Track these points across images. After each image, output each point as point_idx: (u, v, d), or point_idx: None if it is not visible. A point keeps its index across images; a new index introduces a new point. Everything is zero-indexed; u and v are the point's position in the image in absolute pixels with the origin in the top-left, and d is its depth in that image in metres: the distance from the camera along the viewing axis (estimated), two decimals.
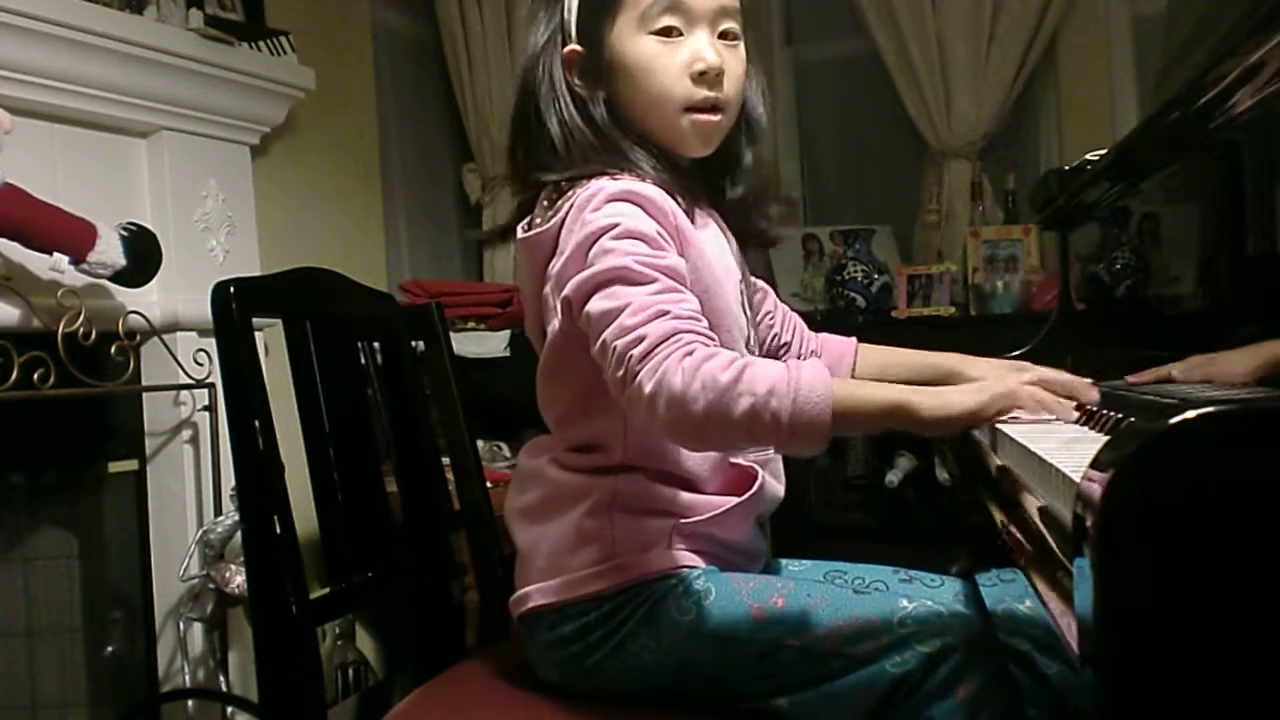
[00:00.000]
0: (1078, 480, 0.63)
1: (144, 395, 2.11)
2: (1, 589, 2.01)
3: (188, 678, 2.04)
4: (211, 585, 1.98)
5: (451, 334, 1.55)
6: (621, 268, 1.00)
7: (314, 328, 1.28)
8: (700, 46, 1.10)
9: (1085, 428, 0.95)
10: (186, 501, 2.13)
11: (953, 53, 2.84)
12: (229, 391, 1.16)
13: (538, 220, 1.11)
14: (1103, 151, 1.46)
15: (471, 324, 2.79)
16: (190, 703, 2.05)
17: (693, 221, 1.12)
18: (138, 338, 2.03)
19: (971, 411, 0.95)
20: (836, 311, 2.77)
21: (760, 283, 1.35)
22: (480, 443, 2.30)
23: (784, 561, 1.30)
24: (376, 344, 1.43)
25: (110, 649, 2.12)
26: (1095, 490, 0.58)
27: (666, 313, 0.97)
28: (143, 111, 2.07)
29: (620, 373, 0.96)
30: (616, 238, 1.02)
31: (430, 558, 1.42)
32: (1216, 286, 1.15)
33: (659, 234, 1.04)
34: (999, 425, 0.99)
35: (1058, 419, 0.98)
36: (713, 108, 1.11)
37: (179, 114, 2.13)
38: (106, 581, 2.13)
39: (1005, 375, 1.07)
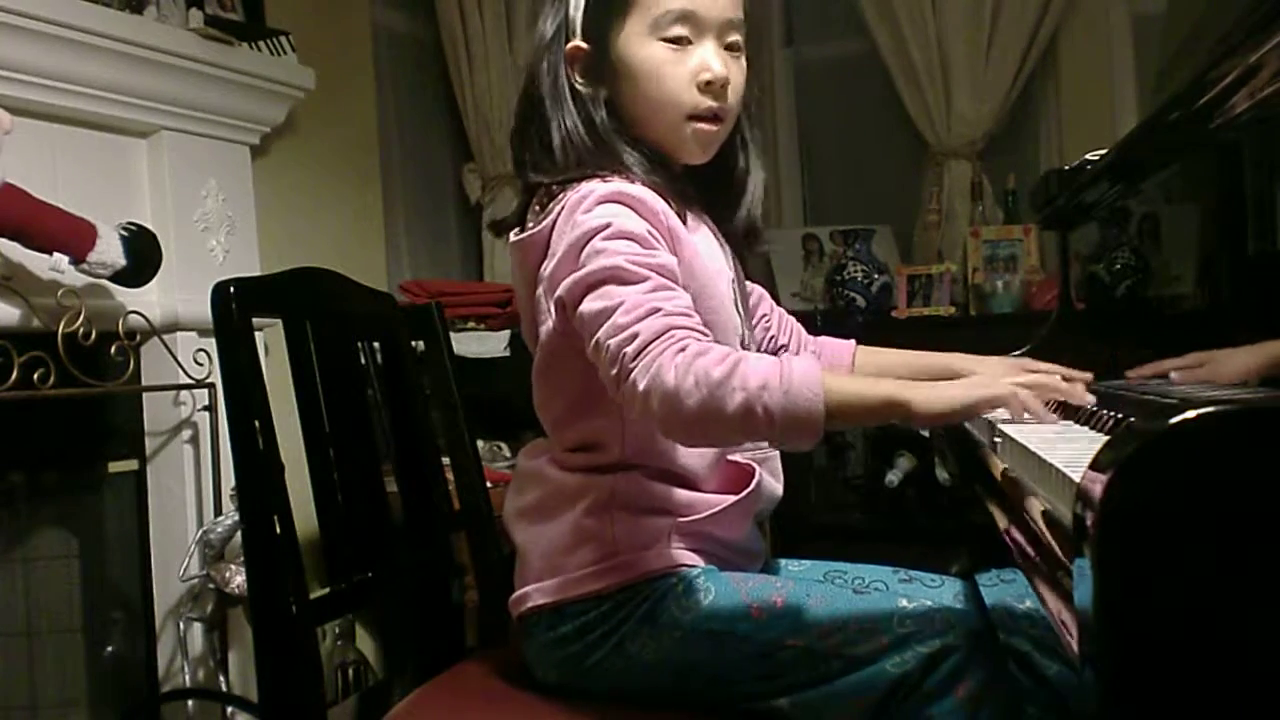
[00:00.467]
0: (1078, 480, 0.63)
1: (144, 395, 2.11)
2: (1, 589, 2.01)
3: (188, 678, 2.04)
4: (211, 585, 1.98)
5: (451, 334, 1.55)
6: (614, 267, 1.00)
7: (314, 328, 1.28)
8: (708, 56, 1.11)
9: (1085, 427, 0.95)
10: (186, 501, 2.13)
11: (953, 53, 2.84)
12: (229, 391, 1.16)
13: (529, 223, 1.11)
14: (1103, 151, 1.46)
15: (471, 324, 2.79)
16: (190, 703, 2.05)
17: (685, 224, 1.13)
18: (138, 338, 2.03)
19: (961, 405, 0.95)
20: (836, 311, 2.77)
21: (756, 287, 1.35)
22: (480, 443, 2.30)
23: (783, 562, 1.30)
24: (376, 344, 1.43)
25: (110, 649, 2.12)
26: (1095, 490, 0.58)
27: (659, 310, 0.97)
28: (143, 111, 2.07)
29: (615, 371, 0.97)
30: (608, 238, 1.02)
31: (430, 558, 1.42)
32: (1216, 286, 1.15)
33: (650, 234, 1.04)
34: (999, 425, 0.99)
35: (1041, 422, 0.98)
36: (714, 116, 1.13)
37: (179, 114, 2.13)
38: (106, 581, 2.13)
39: (1000, 373, 1.08)
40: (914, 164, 3.01)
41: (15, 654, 2.03)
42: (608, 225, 1.02)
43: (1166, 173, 1.27)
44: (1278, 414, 0.58)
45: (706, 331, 1.00)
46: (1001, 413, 1.02)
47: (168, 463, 2.14)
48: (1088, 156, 1.52)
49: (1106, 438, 0.71)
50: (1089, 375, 1.15)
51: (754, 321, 1.32)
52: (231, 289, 1.15)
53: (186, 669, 2.04)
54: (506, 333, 2.73)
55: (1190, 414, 0.58)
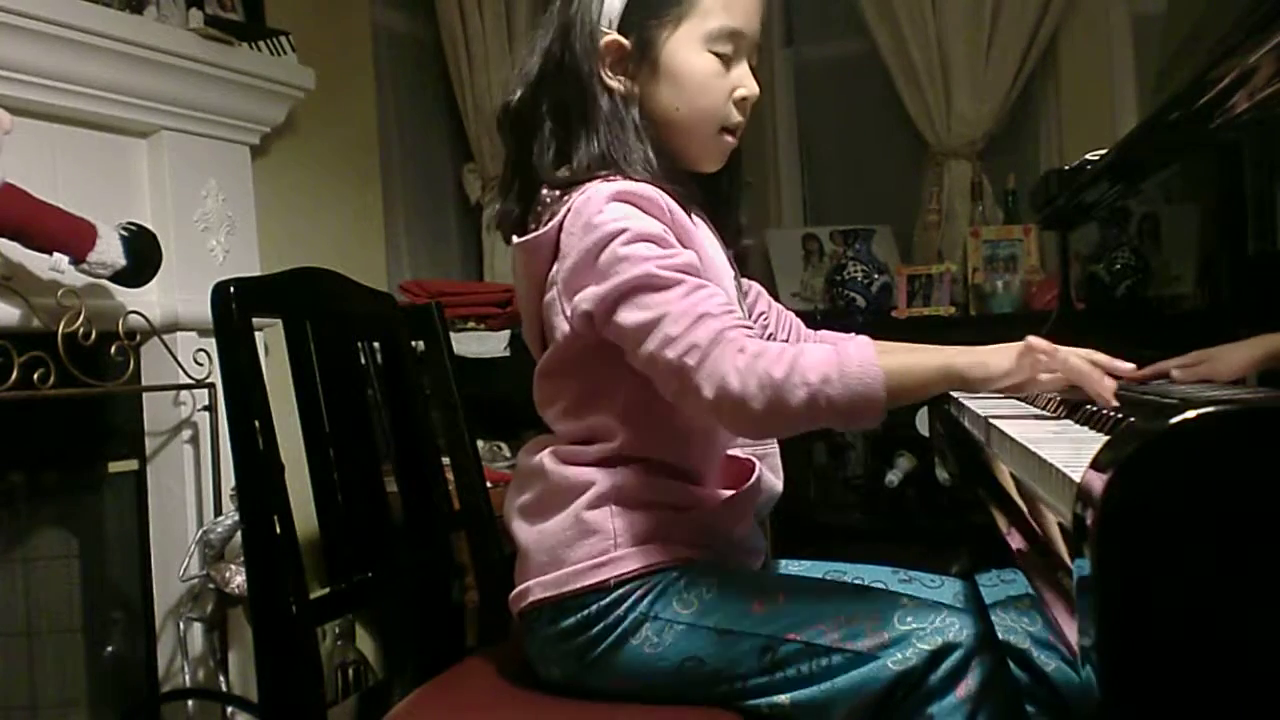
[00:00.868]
0: (1078, 480, 0.63)
1: (144, 395, 2.11)
2: (1, 589, 2.01)
3: (188, 678, 2.04)
4: (211, 585, 1.98)
5: (451, 334, 1.55)
6: (645, 275, 1.01)
7: (314, 328, 1.28)
8: (746, 74, 1.15)
9: (1085, 427, 0.95)
10: (186, 501, 2.13)
11: (953, 53, 2.84)
12: (229, 391, 1.16)
13: (532, 225, 1.11)
14: (1103, 151, 1.46)
15: (471, 324, 2.79)
16: (190, 703, 2.05)
17: (693, 222, 1.13)
18: (138, 338, 2.03)
19: (1005, 372, 1.00)
20: (836, 311, 2.77)
21: (753, 284, 1.35)
22: (480, 443, 2.30)
23: (783, 562, 1.31)
24: (376, 344, 1.43)
25: (110, 649, 2.12)
26: (1095, 490, 0.59)
27: (706, 313, 0.99)
28: (143, 111, 2.07)
29: (677, 384, 0.99)
30: (628, 243, 1.03)
31: (430, 558, 1.42)
32: (1216, 286, 1.15)
33: (665, 231, 1.06)
34: (999, 425, 1.00)
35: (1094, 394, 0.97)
36: (736, 130, 1.17)
37: (179, 114, 2.13)
38: (106, 581, 2.13)
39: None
40: (914, 164, 3.01)
41: (15, 654, 2.03)
42: (624, 229, 1.03)
43: (1166, 173, 1.27)
44: (1278, 414, 0.58)
45: (750, 324, 1.03)
46: (1001, 411, 1.03)
47: (168, 463, 2.14)
48: (1088, 156, 1.52)
49: (1106, 438, 0.71)
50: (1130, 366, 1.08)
51: (753, 319, 1.33)
52: (231, 289, 1.15)
53: (186, 669, 2.04)
54: (506, 333, 2.73)
55: (1190, 414, 0.58)
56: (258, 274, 2.16)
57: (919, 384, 0.99)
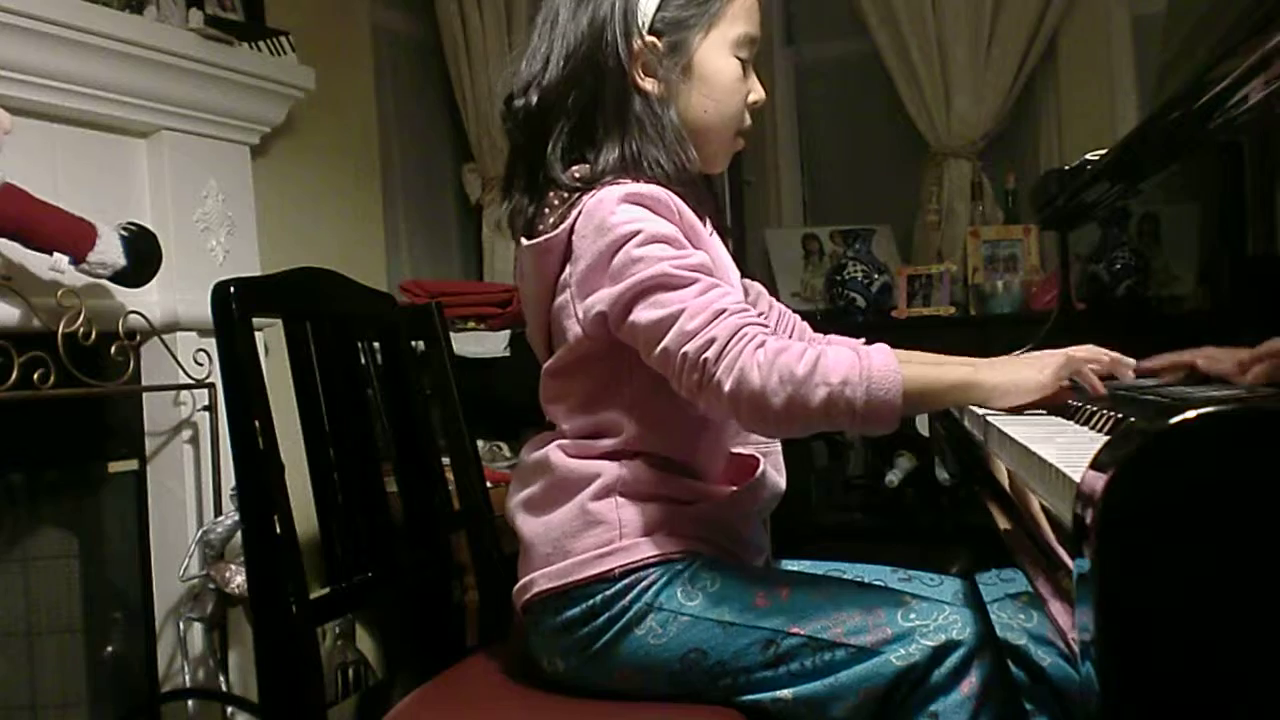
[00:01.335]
0: (1078, 480, 0.63)
1: (144, 395, 2.11)
2: (1, 589, 2.01)
3: (188, 678, 2.04)
4: (211, 585, 1.98)
5: (451, 334, 1.55)
6: (660, 274, 1.02)
7: (314, 328, 1.28)
8: (756, 81, 1.19)
9: (1085, 427, 0.95)
10: (186, 501, 2.13)
11: (953, 53, 2.84)
12: (229, 391, 1.16)
13: (541, 227, 1.11)
14: (1103, 151, 1.46)
15: (471, 324, 2.79)
16: (190, 703, 2.05)
17: (706, 226, 1.15)
18: (138, 338, 2.03)
19: (1039, 385, 1.02)
20: (836, 311, 2.77)
21: (754, 284, 1.36)
22: (480, 443, 2.31)
23: (783, 561, 1.31)
24: (376, 344, 1.43)
25: (110, 649, 2.12)
26: (1095, 490, 0.59)
27: (724, 310, 1.00)
28: (143, 111, 2.06)
29: (696, 377, 0.99)
30: (642, 244, 1.03)
31: (430, 557, 1.42)
32: (1216, 286, 1.15)
33: (677, 233, 1.06)
34: (1000, 425, 1.00)
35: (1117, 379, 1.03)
36: (746, 134, 1.20)
37: (179, 114, 2.13)
38: (106, 581, 2.13)
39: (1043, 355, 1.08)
40: (914, 164, 3.01)
41: (15, 654, 2.03)
42: (638, 231, 1.04)
43: (1166, 173, 1.27)
44: (1278, 414, 0.58)
45: (767, 323, 1.03)
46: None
47: (168, 463, 2.14)
48: (1088, 156, 1.52)
49: (1106, 437, 0.71)
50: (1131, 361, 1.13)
51: None
52: (231, 289, 1.15)
53: (186, 669, 2.04)
54: (506, 333, 2.73)
55: (1190, 414, 0.58)
56: (258, 274, 2.16)
57: (937, 393, 1.01)
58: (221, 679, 2.08)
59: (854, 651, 1.02)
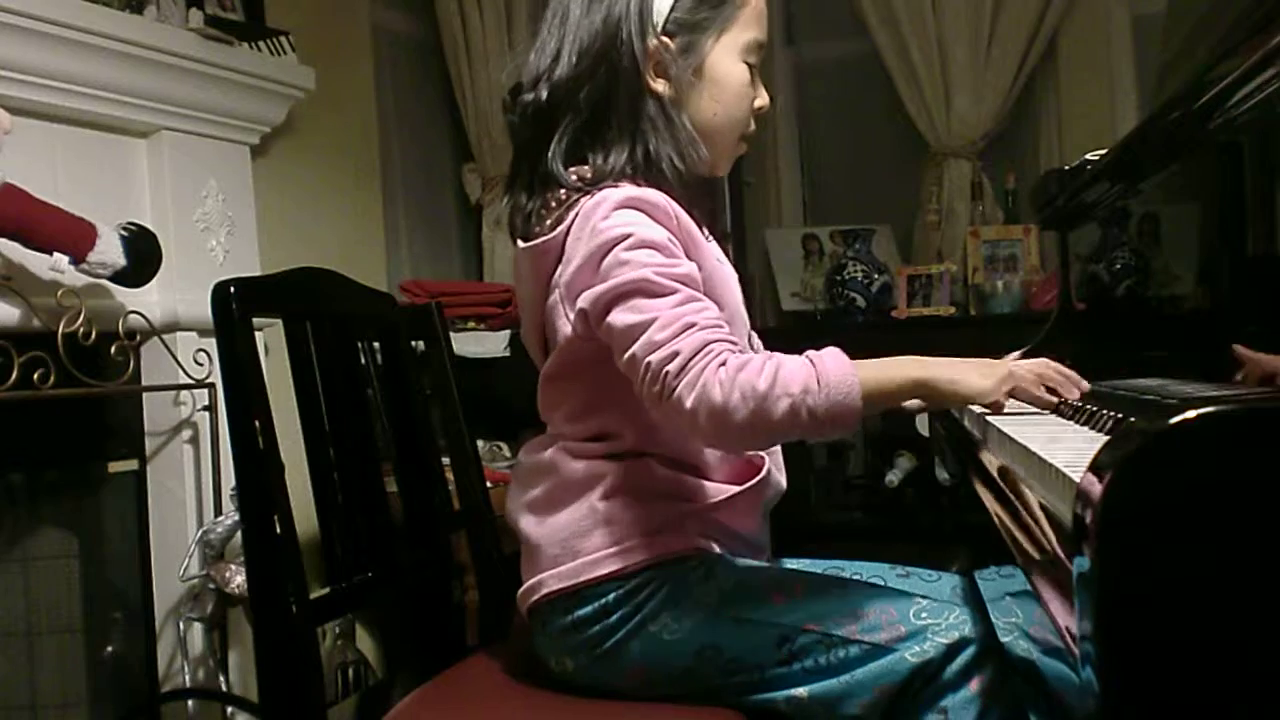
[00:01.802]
0: (1077, 480, 0.63)
1: (144, 395, 2.11)
2: (1, 589, 2.01)
3: (188, 678, 2.04)
4: (211, 585, 1.98)
5: (451, 334, 1.55)
6: (641, 279, 1.01)
7: (314, 328, 1.28)
8: (762, 87, 1.18)
9: (1085, 427, 0.95)
10: (186, 501, 2.13)
11: (953, 53, 2.84)
12: (229, 391, 1.16)
13: (538, 228, 1.11)
14: (1103, 151, 1.46)
15: (471, 324, 2.79)
16: (190, 703, 2.05)
17: (703, 231, 1.14)
18: (138, 338, 2.03)
19: (981, 391, 1.03)
20: (836, 311, 2.77)
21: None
22: (480, 443, 2.31)
23: (783, 560, 1.31)
24: (376, 344, 1.43)
25: (110, 649, 2.12)
26: (1095, 490, 0.58)
27: (694, 325, 1.00)
28: (143, 111, 2.06)
29: (657, 388, 0.99)
30: (631, 248, 1.03)
31: (430, 558, 1.42)
32: (1216, 286, 1.15)
33: (670, 240, 1.06)
34: (1000, 425, 1.00)
35: (1060, 401, 1.06)
36: (750, 138, 1.20)
37: (179, 114, 2.13)
38: (106, 581, 2.13)
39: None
40: (914, 164, 3.01)
41: (15, 654, 2.03)
42: (629, 234, 1.03)
43: (1166, 173, 1.27)
44: (1278, 414, 0.58)
45: (736, 340, 1.03)
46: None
47: (168, 463, 2.14)
48: (1088, 156, 1.52)
49: (1107, 438, 0.71)
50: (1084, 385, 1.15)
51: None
52: (231, 289, 1.15)
53: (186, 669, 2.04)
54: (506, 333, 2.73)
55: (1190, 414, 0.58)
56: (258, 274, 2.16)
57: (891, 394, 1.02)
58: (221, 679, 2.08)
59: (868, 648, 1.03)
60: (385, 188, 2.94)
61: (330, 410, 1.27)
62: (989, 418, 1.06)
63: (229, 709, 2.08)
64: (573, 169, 1.11)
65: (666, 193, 1.08)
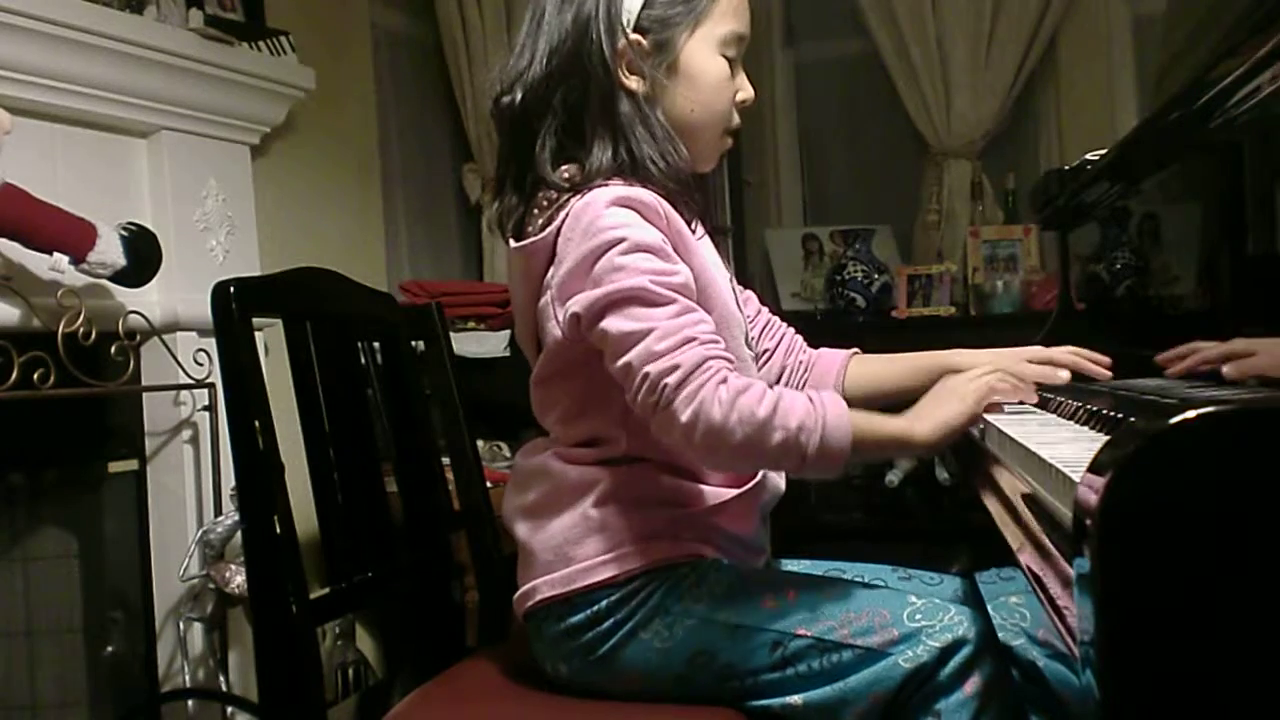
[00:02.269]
0: (1077, 480, 0.63)
1: (144, 395, 2.11)
2: (1, 589, 2.01)
3: (188, 678, 2.04)
4: (211, 585, 1.98)
5: (451, 334, 1.55)
6: (638, 288, 1.01)
7: (314, 328, 1.28)
8: (744, 78, 1.17)
9: (1084, 427, 0.95)
10: (186, 501, 2.13)
11: (953, 53, 2.84)
12: (229, 391, 1.16)
13: (529, 229, 1.10)
14: (1103, 151, 1.46)
15: (471, 324, 2.79)
16: (190, 703, 2.05)
17: (693, 230, 1.13)
18: (138, 338, 2.03)
19: (967, 415, 1.06)
20: (836, 311, 2.77)
21: (745, 290, 1.34)
22: (480, 443, 2.30)
23: (783, 561, 1.31)
24: (376, 344, 1.43)
25: (110, 649, 2.12)
26: (1095, 491, 0.58)
27: (694, 339, 1.00)
28: (143, 111, 2.06)
29: (653, 399, 0.99)
30: (625, 252, 1.02)
31: (430, 558, 1.42)
32: (1216, 286, 1.15)
33: (663, 242, 1.05)
34: (1000, 425, 1.00)
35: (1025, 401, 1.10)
36: (735, 132, 1.19)
37: (179, 114, 2.13)
38: (106, 581, 2.13)
39: (1000, 364, 1.14)
40: (914, 164, 3.01)
41: (15, 654, 2.03)
42: (623, 238, 1.03)
43: (1166, 173, 1.27)
44: (1278, 414, 0.58)
45: (732, 357, 1.03)
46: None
47: (168, 463, 2.14)
48: (1088, 156, 1.52)
49: (1106, 437, 0.71)
50: (1106, 360, 1.18)
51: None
52: (231, 289, 1.15)
53: (186, 669, 2.04)
54: (506, 333, 2.73)
55: (1190, 414, 0.58)
56: (258, 274, 2.16)
57: (878, 443, 1.04)
58: (221, 679, 2.08)
59: (861, 653, 1.02)
60: (385, 188, 2.94)
61: (330, 410, 1.27)
62: (989, 416, 1.06)
63: (229, 709, 2.08)
64: (561, 168, 1.10)
65: (655, 191, 1.07)
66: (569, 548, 1.10)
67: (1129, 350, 1.21)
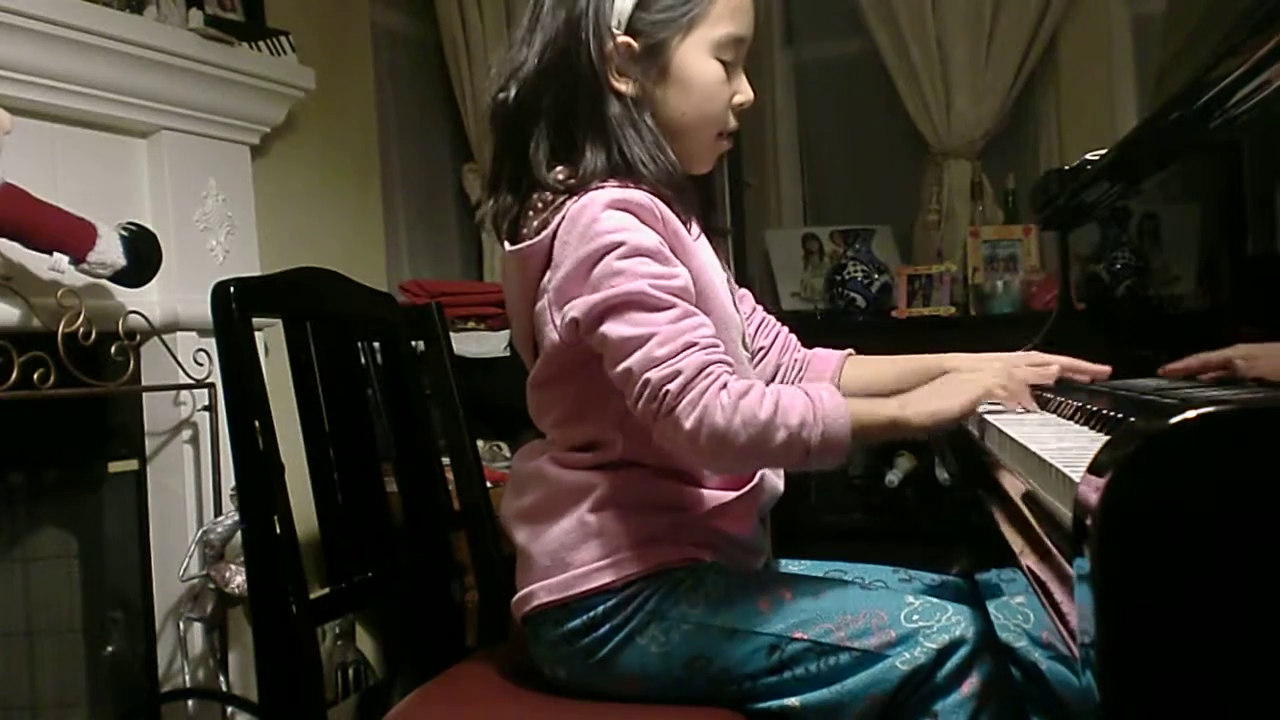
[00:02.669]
0: (1077, 480, 0.63)
1: (144, 395, 2.11)
2: (1, 589, 2.01)
3: (188, 678, 2.04)
4: (211, 585, 1.98)
5: (451, 334, 1.55)
6: (637, 292, 1.01)
7: (314, 328, 1.28)
8: (743, 81, 1.16)
9: (1084, 427, 0.95)
10: (186, 501, 2.13)
11: (953, 53, 2.85)
12: (229, 391, 1.16)
13: (525, 231, 1.10)
14: (1103, 151, 1.46)
15: (471, 324, 2.79)
16: (190, 703, 2.05)
17: (689, 230, 1.12)
18: (138, 338, 2.03)
19: (959, 411, 1.05)
20: (836, 311, 2.77)
21: (741, 289, 1.34)
22: (480, 443, 2.30)
23: (783, 562, 1.31)
24: (376, 344, 1.43)
25: (110, 649, 2.12)
26: (1095, 491, 0.58)
27: (695, 344, 1.00)
28: (143, 111, 2.06)
29: (655, 405, 0.99)
30: (623, 257, 1.02)
31: (430, 558, 1.42)
32: (1216, 286, 1.15)
33: (661, 245, 1.05)
34: (1000, 425, 1.00)
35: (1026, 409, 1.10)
36: (731, 135, 1.17)
37: (179, 114, 2.13)
38: (106, 581, 2.13)
39: (996, 369, 1.13)
40: (914, 164, 3.01)
41: (15, 654, 2.03)
42: (621, 242, 1.02)
43: (1166, 173, 1.27)
44: (1278, 414, 0.58)
45: (732, 360, 1.03)
46: (1001, 409, 1.06)
47: (168, 463, 2.14)
48: (1088, 156, 1.52)
49: (1106, 437, 0.71)
50: (1106, 369, 1.18)
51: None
52: (231, 289, 1.15)
53: (186, 669, 2.04)
54: (506, 333, 2.73)
55: (1190, 414, 0.58)
56: (258, 274, 2.16)
57: (874, 432, 1.04)
58: (221, 679, 2.08)
59: (859, 655, 1.02)
60: (385, 188, 2.94)
61: (330, 410, 1.27)
62: (988, 417, 1.06)
63: (229, 709, 2.08)
64: (556, 170, 1.09)
65: (651, 192, 1.07)
66: (566, 553, 1.10)
67: (1129, 350, 1.21)
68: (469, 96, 3.12)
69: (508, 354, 2.69)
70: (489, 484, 1.51)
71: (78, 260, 1.76)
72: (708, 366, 0.99)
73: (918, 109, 2.91)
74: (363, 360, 1.39)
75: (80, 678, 2.09)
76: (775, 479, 1.20)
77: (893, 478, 2.70)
